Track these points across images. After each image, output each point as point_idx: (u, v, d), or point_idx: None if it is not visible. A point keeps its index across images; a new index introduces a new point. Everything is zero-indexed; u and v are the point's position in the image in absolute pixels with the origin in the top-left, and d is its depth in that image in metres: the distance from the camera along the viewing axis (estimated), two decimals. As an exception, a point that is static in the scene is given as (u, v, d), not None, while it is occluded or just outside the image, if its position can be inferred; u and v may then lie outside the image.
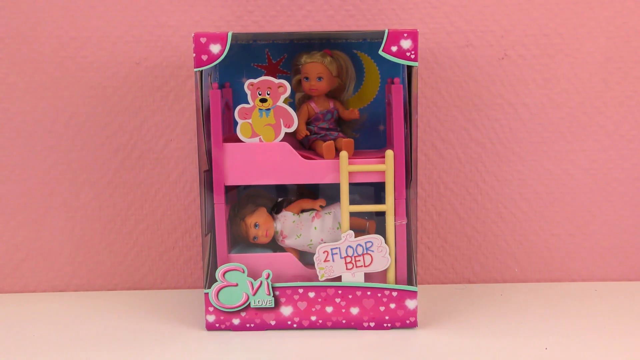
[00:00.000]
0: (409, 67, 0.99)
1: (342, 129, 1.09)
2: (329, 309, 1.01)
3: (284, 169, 1.00)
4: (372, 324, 1.02)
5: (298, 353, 0.95)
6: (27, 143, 1.19)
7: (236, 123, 1.00)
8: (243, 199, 1.07)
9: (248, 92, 0.99)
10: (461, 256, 1.22)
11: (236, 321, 1.02)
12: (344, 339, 0.99)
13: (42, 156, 1.19)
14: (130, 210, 1.20)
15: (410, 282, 1.02)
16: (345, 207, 1.01)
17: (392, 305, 1.01)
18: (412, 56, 0.98)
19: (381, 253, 1.00)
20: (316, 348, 0.96)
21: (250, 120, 1.00)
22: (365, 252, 1.01)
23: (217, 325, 1.02)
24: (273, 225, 1.05)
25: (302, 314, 1.02)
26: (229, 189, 1.04)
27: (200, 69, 0.98)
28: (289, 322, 1.02)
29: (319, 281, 1.01)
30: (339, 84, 1.07)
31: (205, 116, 1.00)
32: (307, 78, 1.05)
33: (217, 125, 1.00)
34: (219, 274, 1.01)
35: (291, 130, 1.00)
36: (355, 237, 1.01)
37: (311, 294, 1.01)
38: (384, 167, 1.00)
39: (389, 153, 0.99)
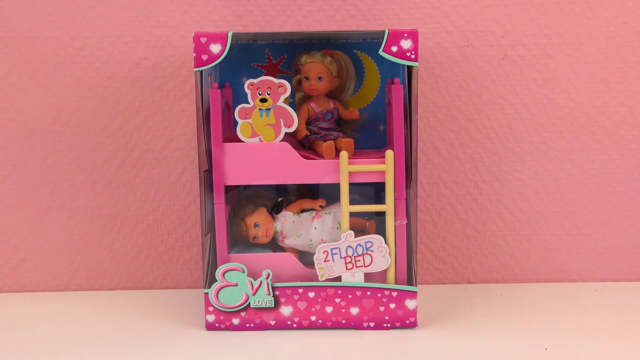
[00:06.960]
0: (409, 67, 0.99)
1: (342, 129, 1.09)
2: (329, 309, 1.01)
3: (284, 169, 1.00)
4: (372, 324, 1.02)
5: (298, 353, 0.95)
6: (27, 143, 1.19)
7: (236, 123, 1.00)
8: (243, 199, 1.07)
9: (248, 92, 0.99)
10: (461, 256, 1.22)
11: (236, 321, 1.02)
12: (344, 339, 0.99)
13: (42, 156, 1.19)
14: (130, 210, 1.20)
15: (410, 282, 1.02)
16: (345, 207, 1.00)
17: (392, 305, 1.01)
18: (412, 56, 0.98)
19: (381, 253, 1.00)
20: (316, 348, 0.96)
21: (250, 120, 1.00)
22: (365, 252, 1.01)
23: (217, 325, 1.02)
24: (273, 225, 1.05)
25: (302, 314, 1.02)
26: (229, 189, 1.04)
27: (200, 68, 0.98)
28: (289, 322, 1.02)
29: (319, 281, 1.01)
30: (339, 84, 1.07)
31: (205, 116, 1.00)
32: (307, 78, 1.05)
33: (217, 125, 1.00)
34: (218, 273, 1.01)
35: (291, 130, 1.00)
36: (355, 237, 1.01)
37: (311, 294, 1.01)
38: (384, 167, 0.99)
39: (389, 153, 0.99)
